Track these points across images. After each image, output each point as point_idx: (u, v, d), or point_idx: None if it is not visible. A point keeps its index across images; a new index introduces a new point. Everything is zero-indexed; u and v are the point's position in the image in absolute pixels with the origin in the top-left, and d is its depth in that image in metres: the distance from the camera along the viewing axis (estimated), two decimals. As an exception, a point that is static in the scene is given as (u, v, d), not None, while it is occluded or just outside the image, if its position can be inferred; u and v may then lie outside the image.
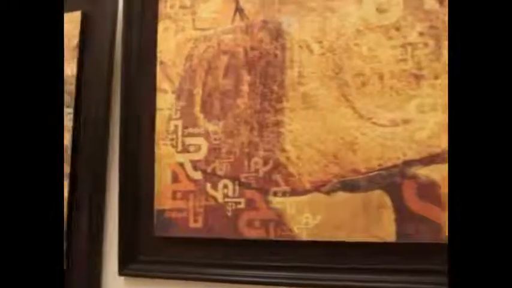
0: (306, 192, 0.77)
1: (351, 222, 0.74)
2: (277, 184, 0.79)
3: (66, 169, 0.93)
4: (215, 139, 0.84)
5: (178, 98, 0.88)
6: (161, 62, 0.90)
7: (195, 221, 0.84)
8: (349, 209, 0.74)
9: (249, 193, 0.81)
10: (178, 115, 0.87)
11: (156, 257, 0.87)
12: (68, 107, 0.95)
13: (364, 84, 0.76)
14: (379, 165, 0.74)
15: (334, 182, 0.76)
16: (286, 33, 0.81)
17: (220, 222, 0.82)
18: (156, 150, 0.88)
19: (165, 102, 0.88)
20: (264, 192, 0.80)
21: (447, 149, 0.69)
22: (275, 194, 0.79)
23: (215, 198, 0.83)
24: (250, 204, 0.80)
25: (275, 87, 0.81)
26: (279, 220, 0.78)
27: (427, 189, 0.71)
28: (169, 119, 0.87)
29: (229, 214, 0.82)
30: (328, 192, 0.76)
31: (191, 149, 0.86)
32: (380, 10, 0.76)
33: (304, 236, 0.76)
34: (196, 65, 0.87)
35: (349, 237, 0.74)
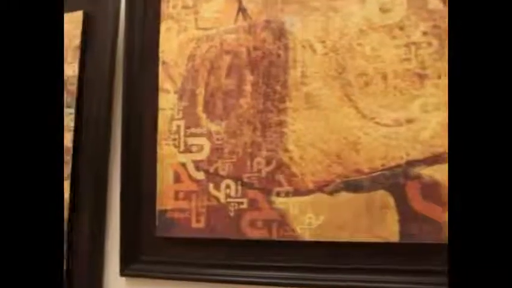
0: (309, 192, 0.77)
1: (354, 223, 0.74)
2: (280, 184, 0.79)
3: (68, 169, 0.92)
4: (218, 139, 0.84)
5: (180, 98, 0.87)
6: (163, 62, 0.90)
7: (197, 221, 0.83)
8: (353, 209, 0.74)
9: (251, 193, 0.80)
10: (180, 115, 0.87)
11: (157, 257, 0.87)
12: (69, 107, 0.95)
13: (367, 84, 0.76)
14: (383, 165, 0.73)
15: (337, 182, 0.75)
16: (289, 33, 0.81)
17: (223, 222, 0.82)
18: (158, 150, 0.87)
19: (168, 102, 0.88)
20: (266, 192, 0.79)
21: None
22: (278, 194, 0.79)
23: (217, 199, 0.83)
24: (253, 204, 0.80)
25: (278, 87, 0.81)
26: (282, 220, 0.78)
27: (430, 190, 0.71)
28: (172, 119, 0.87)
29: (232, 214, 0.81)
30: (331, 193, 0.76)
31: (193, 149, 0.85)
32: (383, 10, 0.76)
33: (307, 236, 0.76)
34: (198, 65, 0.87)
35: (352, 238, 0.74)
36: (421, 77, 0.73)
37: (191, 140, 0.86)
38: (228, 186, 0.82)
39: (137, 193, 0.89)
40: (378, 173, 0.73)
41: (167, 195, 0.86)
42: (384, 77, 0.75)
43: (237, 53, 0.84)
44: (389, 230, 0.72)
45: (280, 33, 0.82)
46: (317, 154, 0.77)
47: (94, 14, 0.98)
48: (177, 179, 0.86)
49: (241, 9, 0.85)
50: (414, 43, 0.74)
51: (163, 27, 0.91)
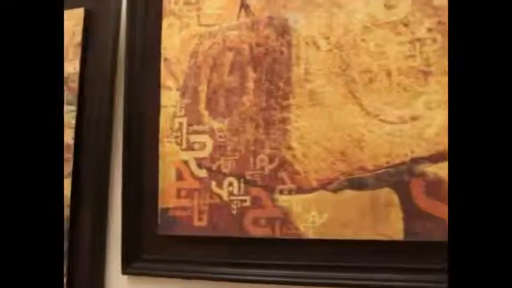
0: (312, 190, 0.76)
1: (358, 221, 0.73)
2: (283, 182, 0.78)
3: (70, 167, 0.92)
4: (220, 136, 0.83)
5: (182, 95, 0.87)
6: (165, 59, 0.89)
7: (200, 219, 0.83)
8: (357, 207, 0.74)
9: (254, 191, 0.80)
10: (182, 112, 0.86)
11: (159, 255, 0.86)
12: (71, 104, 0.94)
13: (371, 80, 0.75)
14: (387, 162, 0.73)
15: (341, 180, 0.75)
16: (292, 30, 0.81)
17: (225, 220, 0.81)
18: (161, 148, 0.87)
19: (170, 99, 0.87)
20: (269, 190, 0.79)
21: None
22: (281, 192, 0.78)
23: (220, 196, 0.82)
24: (256, 202, 0.79)
25: (281, 84, 0.80)
26: (285, 218, 0.77)
27: (435, 187, 0.70)
28: (174, 116, 0.87)
29: (235, 212, 0.81)
30: (335, 190, 0.75)
31: (196, 146, 0.85)
32: (388, 6, 0.75)
33: (311, 235, 0.76)
34: (201, 61, 0.86)
35: (356, 236, 0.73)
36: (426, 73, 0.72)
37: (193, 138, 0.85)
38: (230, 184, 0.81)
39: (139, 191, 0.89)
40: (382, 170, 0.73)
41: (169, 193, 0.85)
42: (388, 74, 0.74)
43: (239, 50, 0.84)
44: (393, 228, 0.71)
45: (284, 30, 0.81)
46: (321, 151, 0.77)
47: (95, 10, 0.98)
48: (179, 176, 0.85)
49: (244, 6, 0.84)
50: (419, 40, 0.73)
51: (165, 23, 0.90)
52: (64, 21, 0.94)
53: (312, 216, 0.76)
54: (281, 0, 0.82)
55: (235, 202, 0.81)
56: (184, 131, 0.86)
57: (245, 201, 0.80)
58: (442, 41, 0.72)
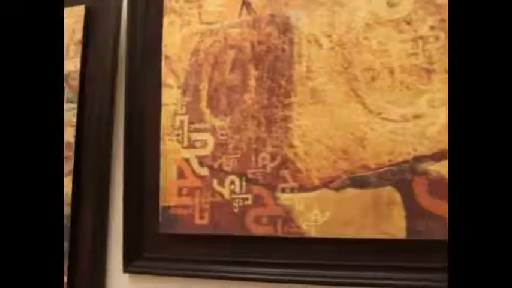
0: (314, 188, 0.76)
1: (360, 219, 0.73)
2: (285, 180, 0.78)
3: (70, 165, 0.92)
4: (222, 134, 0.83)
5: (184, 93, 0.86)
6: (166, 57, 0.89)
7: (201, 217, 0.83)
8: (359, 205, 0.73)
9: (256, 189, 0.80)
10: (184, 110, 0.86)
11: (161, 254, 0.86)
12: (71, 102, 0.94)
13: (373, 79, 0.75)
14: (390, 161, 0.73)
15: (343, 178, 0.75)
16: (294, 28, 0.80)
17: (227, 218, 0.81)
18: (162, 146, 0.87)
19: (171, 97, 0.87)
20: (271, 188, 0.79)
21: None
22: (283, 190, 0.78)
23: (222, 195, 0.82)
24: (258, 200, 0.79)
25: (283, 82, 0.80)
26: (287, 217, 0.77)
27: (437, 186, 0.70)
28: (175, 114, 0.86)
29: (236, 210, 0.80)
30: (337, 189, 0.75)
31: (197, 144, 0.84)
32: (390, 4, 0.75)
33: (313, 233, 0.75)
34: (202, 59, 0.86)
35: (358, 234, 0.73)
36: (429, 72, 0.72)
37: (195, 136, 0.85)
38: (232, 182, 0.81)
39: (140, 189, 0.88)
40: (385, 168, 0.73)
41: (171, 192, 0.85)
42: (391, 72, 0.74)
43: (241, 48, 0.83)
44: (396, 227, 0.71)
45: (285, 28, 0.81)
46: (323, 150, 0.76)
47: (96, 8, 0.97)
48: (181, 174, 0.85)
49: (246, 3, 0.84)
50: (421, 37, 0.73)
51: (166, 21, 0.89)
52: (64, 18, 0.94)
53: (314, 215, 0.76)
54: (283, -2, 0.81)
55: (237, 200, 0.81)
56: (185, 129, 0.85)
57: (247, 199, 0.80)
58: (444, 39, 0.71)
